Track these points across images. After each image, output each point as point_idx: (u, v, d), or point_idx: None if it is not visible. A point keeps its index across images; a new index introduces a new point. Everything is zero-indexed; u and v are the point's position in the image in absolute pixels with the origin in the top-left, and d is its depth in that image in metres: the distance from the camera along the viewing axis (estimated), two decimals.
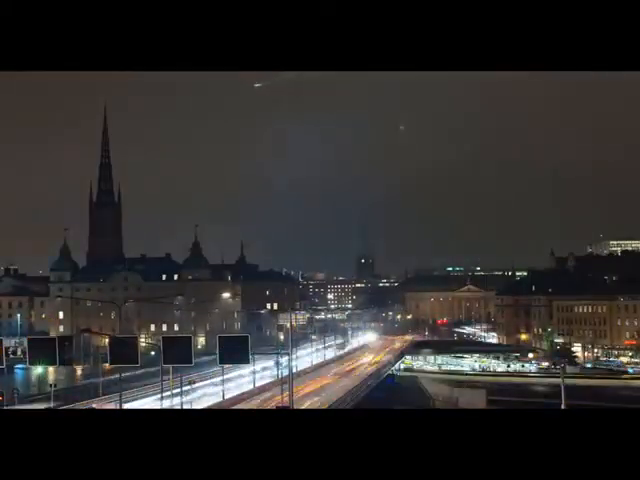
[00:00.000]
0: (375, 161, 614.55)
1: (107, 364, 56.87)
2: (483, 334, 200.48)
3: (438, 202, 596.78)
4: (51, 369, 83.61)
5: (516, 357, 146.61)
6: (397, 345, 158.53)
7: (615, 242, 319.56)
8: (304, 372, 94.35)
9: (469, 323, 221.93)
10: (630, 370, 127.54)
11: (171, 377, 59.28)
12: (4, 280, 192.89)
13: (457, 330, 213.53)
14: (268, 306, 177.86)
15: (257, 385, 76.93)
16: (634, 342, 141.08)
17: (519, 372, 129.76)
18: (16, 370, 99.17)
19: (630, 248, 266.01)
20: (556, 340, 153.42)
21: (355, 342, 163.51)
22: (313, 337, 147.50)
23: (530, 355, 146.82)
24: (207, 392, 69.70)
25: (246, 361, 49.52)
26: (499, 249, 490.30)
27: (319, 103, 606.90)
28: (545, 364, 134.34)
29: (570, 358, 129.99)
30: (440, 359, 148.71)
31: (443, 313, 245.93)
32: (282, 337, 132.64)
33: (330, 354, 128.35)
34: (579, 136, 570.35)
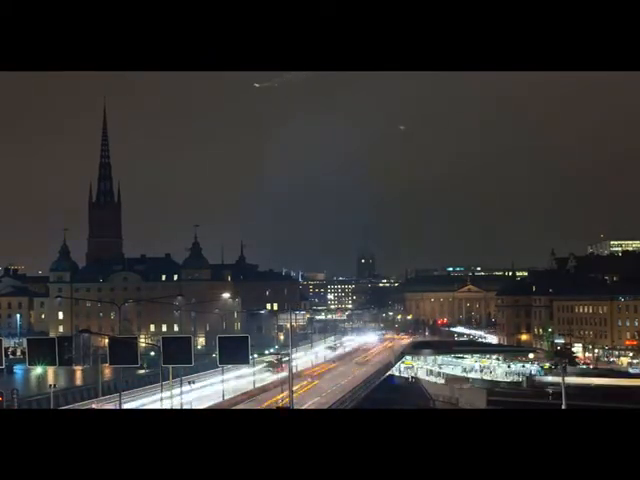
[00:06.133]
0: (375, 161, 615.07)
1: (107, 364, 56.83)
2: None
3: (438, 202, 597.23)
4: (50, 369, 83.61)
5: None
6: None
7: (616, 242, 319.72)
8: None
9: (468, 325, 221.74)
10: (631, 371, 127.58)
11: (170, 378, 59.25)
12: (4, 280, 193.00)
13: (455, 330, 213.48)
14: (268, 306, 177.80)
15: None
16: (635, 342, 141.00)
17: None
18: (15, 370, 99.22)
19: (631, 248, 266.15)
20: (556, 340, 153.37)
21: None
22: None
23: (531, 355, 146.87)
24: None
25: (246, 361, 49.54)
26: (499, 249, 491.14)
27: (319, 103, 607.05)
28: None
29: (571, 358, 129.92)
30: (440, 359, 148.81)
31: (443, 313, 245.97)
32: (282, 337, 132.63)
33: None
34: (579, 136, 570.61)
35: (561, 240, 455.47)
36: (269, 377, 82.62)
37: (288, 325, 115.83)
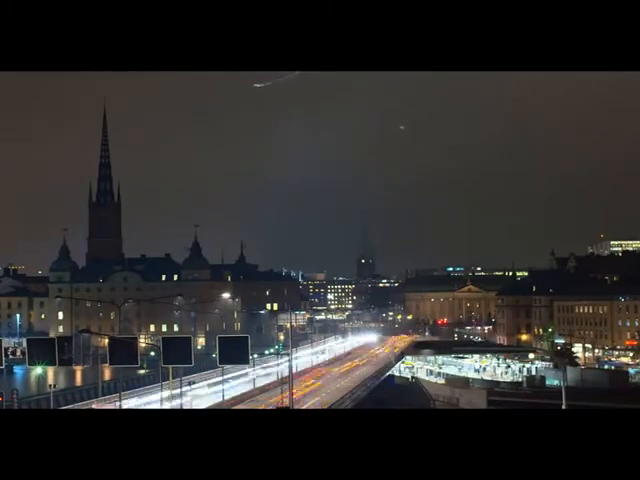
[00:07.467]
0: (375, 161, 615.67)
1: (107, 364, 56.74)
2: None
3: (438, 202, 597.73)
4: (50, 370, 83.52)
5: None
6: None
7: (616, 242, 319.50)
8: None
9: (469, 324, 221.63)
10: (631, 371, 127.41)
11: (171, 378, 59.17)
12: (4, 280, 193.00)
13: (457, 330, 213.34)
14: (268, 306, 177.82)
15: None
16: (635, 342, 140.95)
17: None
18: (15, 370, 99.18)
19: (631, 248, 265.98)
20: (557, 340, 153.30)
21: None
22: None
23: (531, 356, 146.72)
24: None
25: (246, 361, 49.48)
26: (499, 249, 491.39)
27: (319, 103, 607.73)
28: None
29: (571, 358, 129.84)
30: (441, 359, 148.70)
31: (444, 313, 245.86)
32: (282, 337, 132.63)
33: None
34: (579, 137, 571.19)
35: (562, 240, 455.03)
36: None
37: (288, 325, 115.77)
